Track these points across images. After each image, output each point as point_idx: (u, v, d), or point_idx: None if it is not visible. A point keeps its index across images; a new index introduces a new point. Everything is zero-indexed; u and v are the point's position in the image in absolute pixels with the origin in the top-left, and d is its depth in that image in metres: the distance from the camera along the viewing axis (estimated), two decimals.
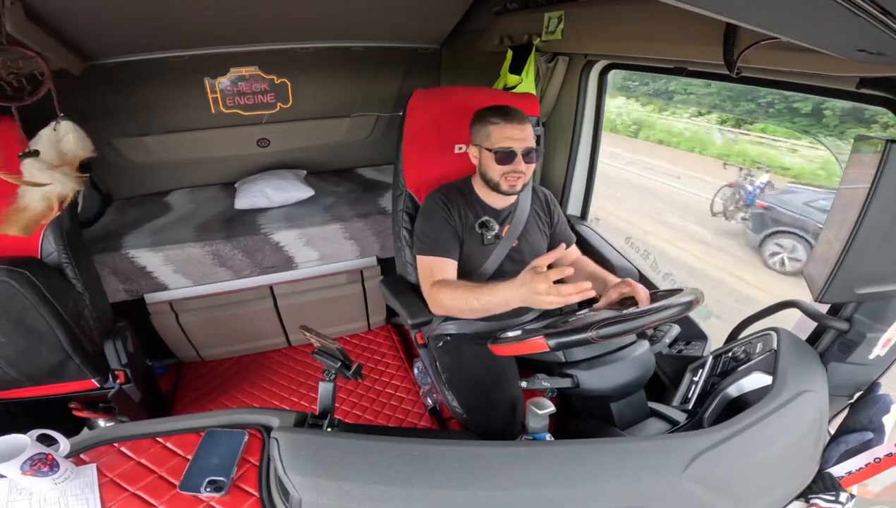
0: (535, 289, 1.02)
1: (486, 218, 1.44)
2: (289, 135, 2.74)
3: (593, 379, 1.07)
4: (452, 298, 1.27)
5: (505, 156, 1.32)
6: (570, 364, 1.10)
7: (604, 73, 1.80)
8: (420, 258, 1.40)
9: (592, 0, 1.56)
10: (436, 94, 1.65)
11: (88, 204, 2.17)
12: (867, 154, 0.78)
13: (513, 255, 1.47)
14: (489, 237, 1.42)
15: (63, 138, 1.41)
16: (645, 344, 1.16)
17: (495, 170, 1.34)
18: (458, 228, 1.42)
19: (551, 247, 1.55)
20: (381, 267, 2.38)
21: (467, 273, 1.46)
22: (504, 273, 1.47)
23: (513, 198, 1.47)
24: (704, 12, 0.63)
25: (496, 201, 1.46)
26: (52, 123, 1.40)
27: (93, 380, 1.59)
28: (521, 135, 1.32)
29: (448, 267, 1.38)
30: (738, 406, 1.02)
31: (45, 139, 1.38)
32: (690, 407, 1.15)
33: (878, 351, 1.00)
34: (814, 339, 1.11)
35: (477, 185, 1.47)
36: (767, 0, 0.58)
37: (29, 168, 1.33)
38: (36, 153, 1.34)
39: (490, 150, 1.33)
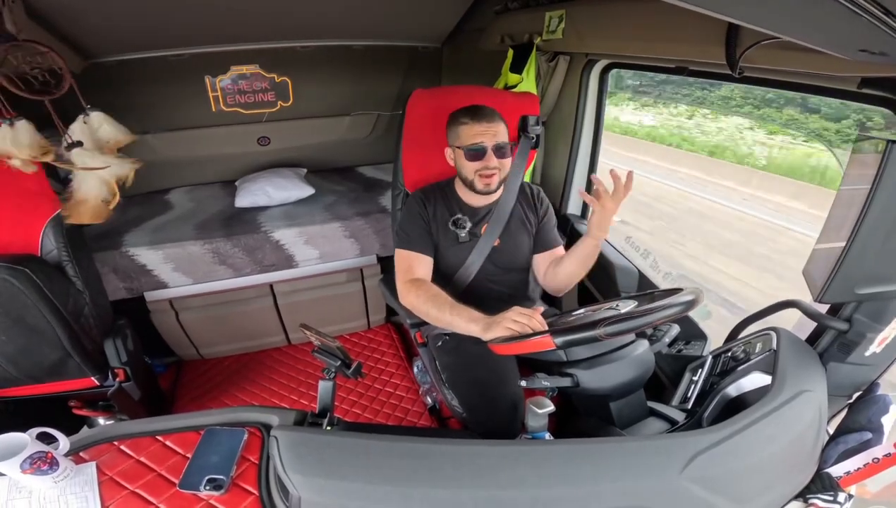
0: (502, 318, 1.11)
1: (459, 215, 1.46)
2: (289, 133, 2.74)
3: (593, 379, 1.07)
4: (423, 302, 1.31)
5: (475, 153, 1.34)
6: (569, 363, 1.10)
7: (605, 72, 1.80)
8: (398, 251, 1.45)
9: None
10: (436, 94, 1.65)
11: None
12: (868, 154, 0.78)
13: (494, 256, 1.47)
14: (463, 235, 1.45)
15: (99, 129, 1.42)
16: (644, 343, 1.16)
17: (468, 168, 1.37)
18: (432, 225, 1.45)
19: (536, 244, 1.52)
20: (381, 266, 2.38)
21: (448, 272, 1.47)
22: (487, 274, 1.47)
23: (494, 197, 1.48)
24: (706, 12, 0.63)
25: (475, 200, 1.48)
26: (81, 117, 1.41)
27: (92, 378, 1.59)
28: (489, 131, 1.34)
29: (422, 262, 1.42)
30: (737, 405, 1.02)
31: (77, 133, 1.38)
32: (690, 406, 1.15)
33: (875, 348, 1.00)
34: (813, 339, 1.11)
35: (458, 185, 1.49)
36: (769, 0, 0.58)
37: (80, 157, 1.33)
38: (80, 143, 1.35)
39: (461, 148, 1.36)
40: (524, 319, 1.09)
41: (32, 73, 1.28)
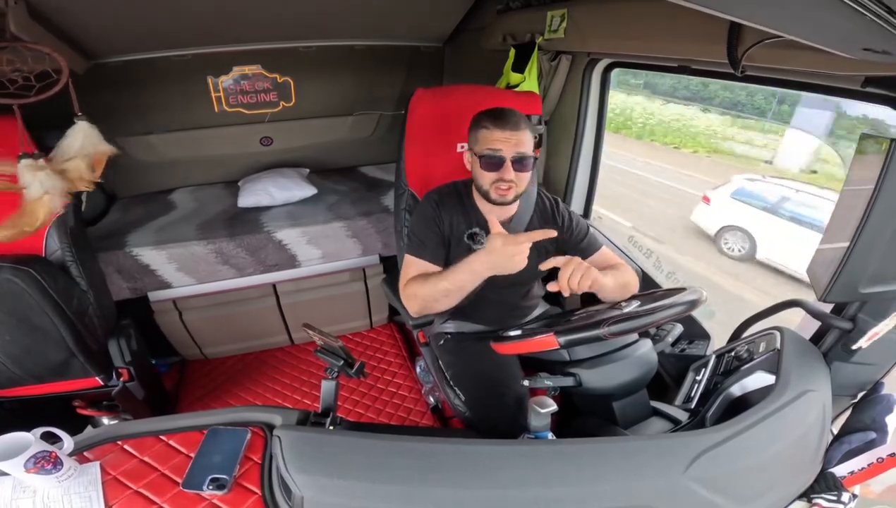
0: (504, 249, 1.07)
1: (476, 229, 1.36)
2: (292, 133, 2.74)
3: (596, 378, 1.07)
4: (423, 285, 1.24)
5: (491, 163, 1.20)
6: (572, 362, 1.10)
7: (607, 71, 1.80)
8: (408, 257, 1.35)
9: None
10: (438, 93, 1.65)
11: (92, 202, 2.19)
12: (872, 154, 0.78)
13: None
14: (476, 249, 1.34)
15: (66, 138, 1.41)
16: (648, 342, 1.16)
17: (484, 178, 1.24)
18: (447, 234, 1.36)
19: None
20: (384, 266, 2.38)
21: None
22: (495, 286, 1.40)
23: (512, 210, 1.37)
24: (709, 11, 0.63)
25: (493, 212, 1.35)
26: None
27: (97, 378, 1.60)
28: (511, 140, 1.20)
29: (431, 271, 1.33)
30: (740, 405, 1.02)
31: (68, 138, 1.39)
32: (693, 406, 1.15)
33: (863, 343, 0.99)
34: (817, 339, 1.11)
35: (476, 193, 1.39)
36: None
37: (21, 169, 1.32)
38: (36, 155, 1.34)
39: (476, 155, 1.24)
40: (512, 247, 1.06)
41: (11, 76, 1.26)
